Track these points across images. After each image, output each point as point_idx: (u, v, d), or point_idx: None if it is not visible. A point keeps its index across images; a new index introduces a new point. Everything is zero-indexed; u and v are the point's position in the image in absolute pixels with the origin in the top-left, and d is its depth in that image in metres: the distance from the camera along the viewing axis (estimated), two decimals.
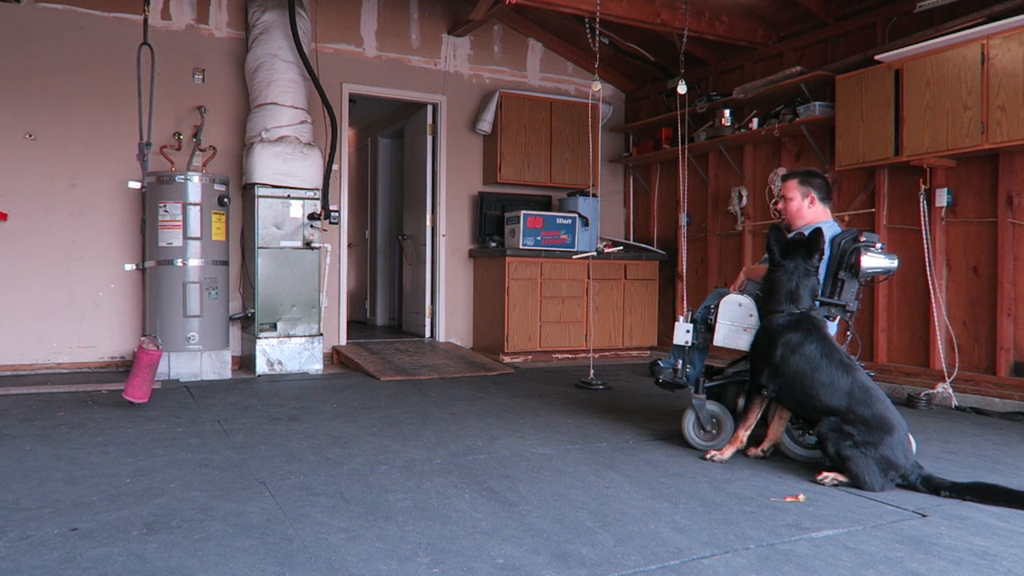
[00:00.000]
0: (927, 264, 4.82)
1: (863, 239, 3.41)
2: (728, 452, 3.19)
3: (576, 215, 6.60)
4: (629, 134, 7.54)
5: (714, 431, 3.38)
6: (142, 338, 4.32)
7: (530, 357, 6.45)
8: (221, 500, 2.55)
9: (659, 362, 3.62)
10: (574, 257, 6.47)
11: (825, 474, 2.87)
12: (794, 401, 3.02)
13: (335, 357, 6.26)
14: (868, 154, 4.91)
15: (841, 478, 2.83)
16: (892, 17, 5.14)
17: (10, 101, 5.31)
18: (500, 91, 6.73)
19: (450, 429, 3.73)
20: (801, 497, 2.68)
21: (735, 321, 3.35)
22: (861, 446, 2.78)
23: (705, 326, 3.48)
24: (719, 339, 3.40)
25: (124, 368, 5.51)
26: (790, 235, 3.69)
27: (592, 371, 5.34)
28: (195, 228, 5.21)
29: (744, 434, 3.18)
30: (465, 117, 6.87)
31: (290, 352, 5.57)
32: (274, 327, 5.55)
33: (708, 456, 3.20)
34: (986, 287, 4.61)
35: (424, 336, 6.94)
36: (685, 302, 6.43)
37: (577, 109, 6.94)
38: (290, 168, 5.53)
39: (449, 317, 6.84)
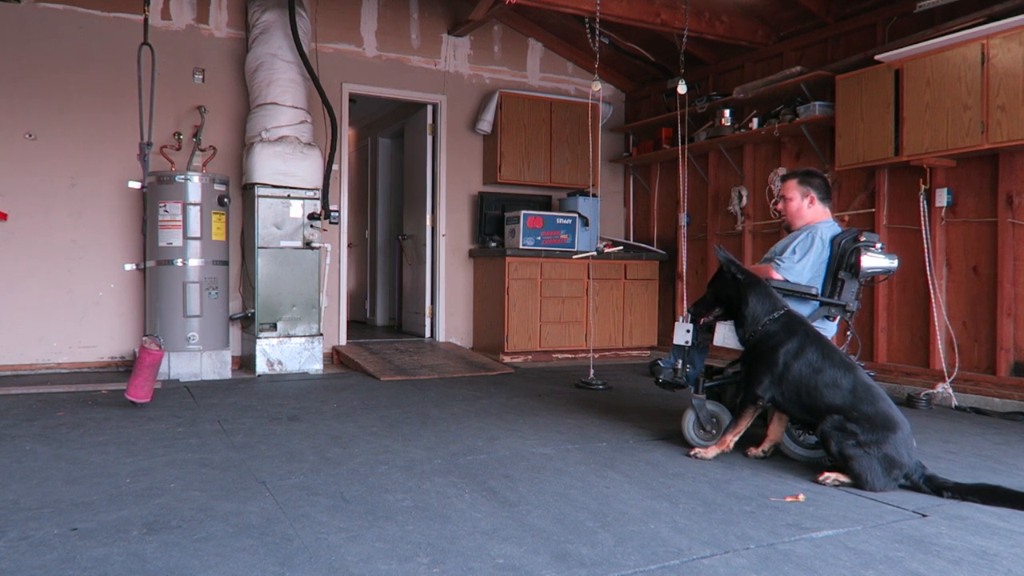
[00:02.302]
0: (927, 264, 4.81)
1: (863, 239, 3.42)
2: (712, 452, 3.20)
3: (576, 215, 6.60)
4: (629, 134, 7.54)
5: (714, 431, 3.37)
6: (144, 338, 4.32)
7: (530, 357, 6.45)
8: (221, 500, 2.55)
9: (659, 362, 3.62)
10: (574, 257, 6.47)
11: (827, 474, 2.87)
12: (798, 405, 2.99)
13: (335, 357, 6.26)
14: (868, 154, 4.91)
15: (843, 478, 2.83)
16: (892, 17, 5.14)
17: (10, 101, 5.31)
18: (500, 91, 6.73)
19: (450, 429, 3.73)
20: (801, 497, 2.68)
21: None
22: (864, 445, 2.77)
23: (705, 326, 3.48)
24: (719, 339, 3.40)
25: (124, 368, 5.51)
26: (789, 235, 3.71)
27: (592, 371, 5.34)
28: (195, 228, 5.21)
29: (732, 439, 3.18)
30: (465, 117, 6.87)
31: (290, 352, 5.57)
32: (274, 327, 5.55)
33: (692, 453, 3.23)
34: (986, 287, 4.61)
35: (424, 336, 6.94)
36: (685, 302, 6.43)
37: (577, 109, 6.94)
38: (290, 168, 5.53)
39: (449, 317, 6.84)
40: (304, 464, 3.04)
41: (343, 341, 6.40)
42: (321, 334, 5.73)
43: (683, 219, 6.52)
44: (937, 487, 2.73)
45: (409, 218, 7.51)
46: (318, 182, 5.66)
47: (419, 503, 2.56)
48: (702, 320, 3.36)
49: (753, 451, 3.24)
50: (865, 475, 2.76)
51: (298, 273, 5.63)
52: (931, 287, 4.81)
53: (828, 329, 3.54)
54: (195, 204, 5.21)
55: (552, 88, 7.19)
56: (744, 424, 3.16)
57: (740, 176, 6.29)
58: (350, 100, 6.48)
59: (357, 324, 8.58)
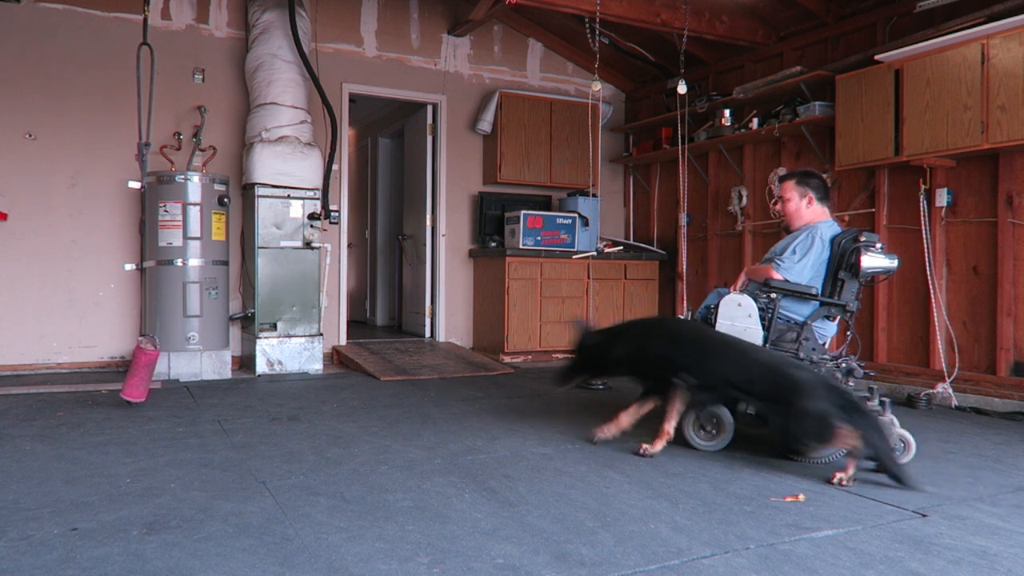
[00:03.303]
0: (927, 264, 4.81)
1: (863, 239, 3.42)
2: (659, 446, 3.23)
3: (576, 215, 6.60)
4: (629, 134, 7.53)
5: (714, 431, 3.38)
6: (140, 338, 4.31)
7: (530, 357, 6.45)
8: (221, 500, 2.55)
9: None
10: (574, 257, 6.47)
11: (839, 475, 2.87)
12: (723, 380, 3.10)
13: (335, 357, 6.26)
14: (868, 154, 4.91)
15: (850, 472, 2.85)
16: (892, 17, 5.14)
17: (10, 101, 5.31)
18: (500, 91, 6.73)
19: (450, 429, 3.74)
20: (801, 497, 2.69)
21: (735, 321, 3.36)
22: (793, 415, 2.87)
23: (704, 323, 3.48)
24: None
25: (124, 368, 5.51)
26: (788, 235, 3.72)
27: None
28: (195, 228, 5.21)
29: (670, 426, 3.22)
30: (465, 117, 6.87)
31: (290, 352, 5.57)
32: (274, 327, 5.55)
33: (641, 450, 3.24)
34: (986, 287, 4.61)
35: (424, 336, 6.94)
36: (685, 302, 6.44)
37: (577, 109, 6.94)
38: (290, 168, 5.53)
39: (449, 317, 6.84)
40: (304, 464, 3.04)
41: (343, 341, 6.40)
42: (321, 334, 5.73)
43: (683, 219, 6.52)
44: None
45: (409, 218, 7.51)
46: (318, 182, 5.66)
47: (419, 503, 2.56)
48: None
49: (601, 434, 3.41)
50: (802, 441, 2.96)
51: (298, 273, 5.63)
52: (931, 287, 4.81)
53: (828, 329, 3.55)
54: (195, 204, 5.20)
55: (552, 88, 7.19)
56: (676, 409, 3.21)
57: (740, 176, 6.29)
58: (350, 100, 6.48)
59: (357, 324, 8.58)
